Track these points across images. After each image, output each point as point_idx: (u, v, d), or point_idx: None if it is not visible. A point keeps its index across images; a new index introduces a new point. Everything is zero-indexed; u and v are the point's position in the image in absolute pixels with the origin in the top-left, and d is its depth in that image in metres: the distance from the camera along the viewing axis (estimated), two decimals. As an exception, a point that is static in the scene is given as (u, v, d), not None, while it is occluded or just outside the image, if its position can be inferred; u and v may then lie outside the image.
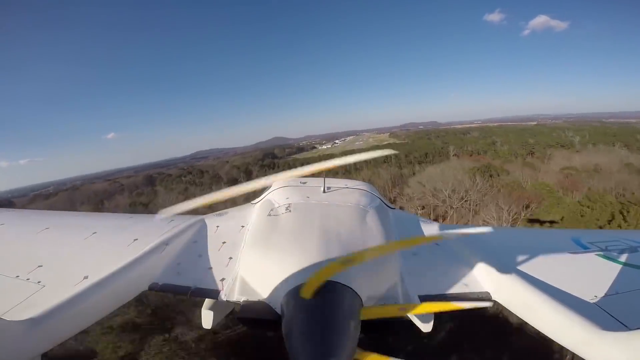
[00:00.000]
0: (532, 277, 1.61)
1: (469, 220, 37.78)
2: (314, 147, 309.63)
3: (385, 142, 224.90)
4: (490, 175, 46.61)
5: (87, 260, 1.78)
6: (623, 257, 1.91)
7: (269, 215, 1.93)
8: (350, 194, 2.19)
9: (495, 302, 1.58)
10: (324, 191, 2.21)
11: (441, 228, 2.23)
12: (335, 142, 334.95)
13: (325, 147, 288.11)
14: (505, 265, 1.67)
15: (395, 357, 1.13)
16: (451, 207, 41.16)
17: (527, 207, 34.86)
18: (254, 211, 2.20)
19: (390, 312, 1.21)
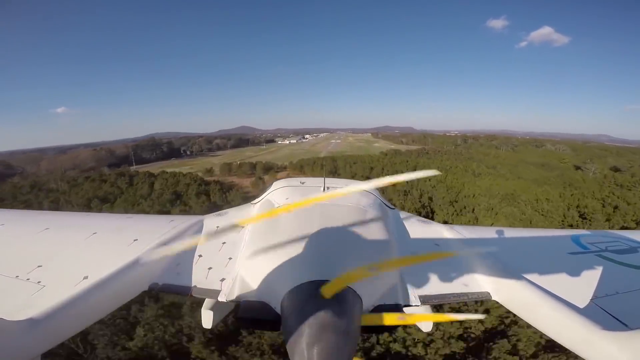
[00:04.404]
0: (532, 277, 1.62)
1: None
2: (272, 141, 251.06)
3: (378, 145, 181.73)
4: None
5: (87, 260, 1.79)
6: (623, 258, 1.93)
7: None
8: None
9: (495, 302, 1.61)
10: (324, 191, 2.25)
11: (440, 228, 2.22)
12: (304, 137, 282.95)
13: (287, 142, 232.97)
14: (505, 265, 1.69)
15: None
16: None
17: None
18: (254, 211, 2.29)
19: (389, 320, 1.19)
